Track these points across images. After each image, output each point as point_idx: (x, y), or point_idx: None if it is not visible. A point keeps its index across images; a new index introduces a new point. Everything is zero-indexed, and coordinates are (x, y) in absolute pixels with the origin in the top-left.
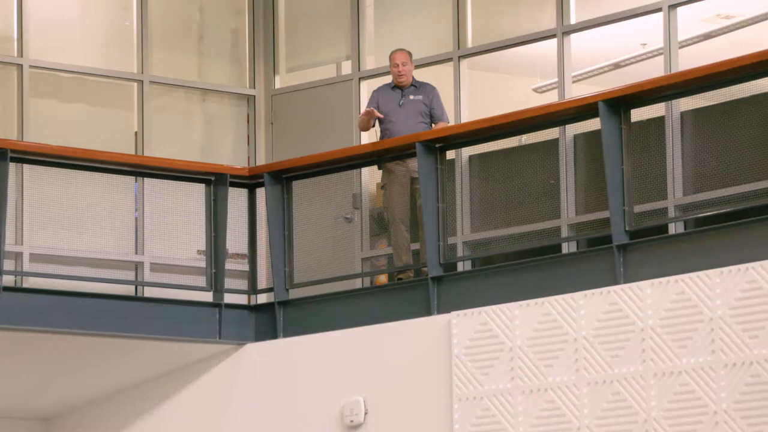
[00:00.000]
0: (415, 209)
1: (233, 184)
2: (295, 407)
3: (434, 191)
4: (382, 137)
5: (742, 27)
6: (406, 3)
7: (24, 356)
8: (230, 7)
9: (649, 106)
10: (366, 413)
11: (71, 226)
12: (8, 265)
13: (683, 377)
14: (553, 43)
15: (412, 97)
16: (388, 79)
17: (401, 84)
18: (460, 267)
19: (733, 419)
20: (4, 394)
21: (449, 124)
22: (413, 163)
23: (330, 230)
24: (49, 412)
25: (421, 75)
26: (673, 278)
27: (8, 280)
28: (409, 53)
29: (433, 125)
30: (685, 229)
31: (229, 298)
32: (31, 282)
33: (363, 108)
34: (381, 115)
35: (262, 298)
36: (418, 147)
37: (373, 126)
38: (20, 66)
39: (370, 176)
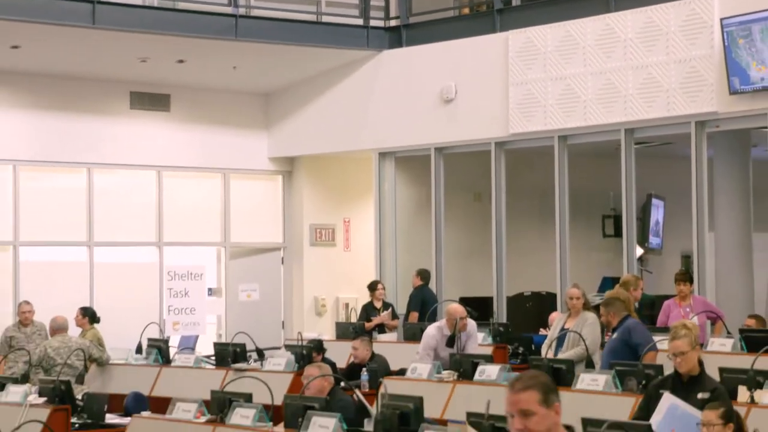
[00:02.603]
0: None
1: None
2: (412, 89)
3: None
4: None
5: None
6: None
7: (253, 57)
8: None
9: None
10: (456, 93)
11: None
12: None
13: (649, 69)
14: None
15: None
16: None
17: None
18: (514, 2)
19: (679, 94)
20: (242, 77)
21: None
22: None
23: None
24: (268, 90)
25: None
26: (644, 8)
27: (242, 11)
28: None
29: None
30: None
31: (372, 23)
32: (255, 12)
33: None
34: None
35: (393, 23)
36: None
37: None
38: None
39: None
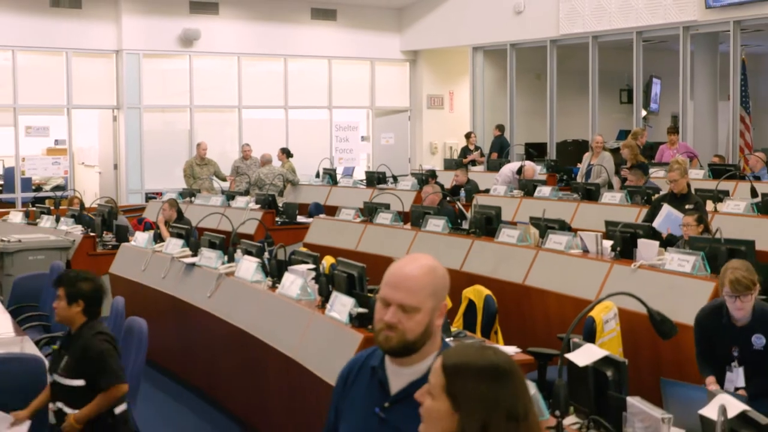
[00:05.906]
0: None
1: None
2: (495, 4)
3: None
4: None
5: None
6: None
7: None
8: None
9: None
10: (524, 7)
11: None
12: None
13: None
14: None
15: None
16: None
17: None
18: None
19: (672, 8)
20: None
21: None
22: None
23: None
24: (401, 5)
25: None
26: None
27: None
28: None
29: None
30: None
31: None
32: None
33: None
34: None
35: None
36: None
37: None
38: None
39: None
